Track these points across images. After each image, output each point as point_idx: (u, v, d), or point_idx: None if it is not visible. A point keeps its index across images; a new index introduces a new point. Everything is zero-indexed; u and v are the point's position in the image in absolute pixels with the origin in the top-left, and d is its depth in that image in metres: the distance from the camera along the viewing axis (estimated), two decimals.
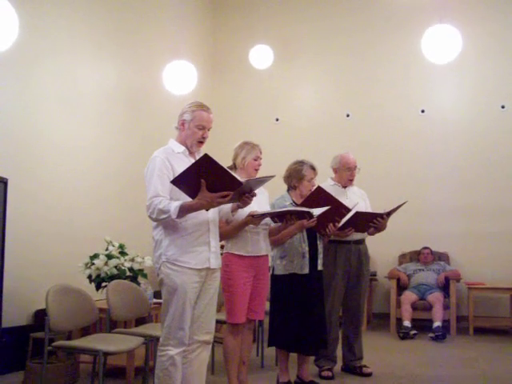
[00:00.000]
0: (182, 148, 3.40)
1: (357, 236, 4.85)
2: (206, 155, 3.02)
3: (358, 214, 4.52)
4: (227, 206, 3.53)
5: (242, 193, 3.31)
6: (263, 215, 3.85)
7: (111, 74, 6.57)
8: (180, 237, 3.28)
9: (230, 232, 3.95)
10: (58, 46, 5.73)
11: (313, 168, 4.50)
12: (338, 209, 4.32)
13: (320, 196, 4.22)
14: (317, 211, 4.08)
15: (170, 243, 3.29)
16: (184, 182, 3.13)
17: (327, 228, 4.38)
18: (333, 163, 5.04)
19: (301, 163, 4.50)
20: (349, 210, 4.38)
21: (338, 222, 4.44)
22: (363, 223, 4.67)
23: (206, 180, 3.09)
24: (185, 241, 3.28)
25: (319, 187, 4.29)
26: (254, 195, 3.36)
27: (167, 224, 3.29)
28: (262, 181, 3.42)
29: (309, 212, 4.03)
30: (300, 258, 4.35)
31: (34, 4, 5.42)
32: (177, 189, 3.21)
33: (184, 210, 3.16)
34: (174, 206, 3.14)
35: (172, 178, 3.22)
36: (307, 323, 4.35)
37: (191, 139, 3.41)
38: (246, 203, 3.38)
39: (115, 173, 6.46)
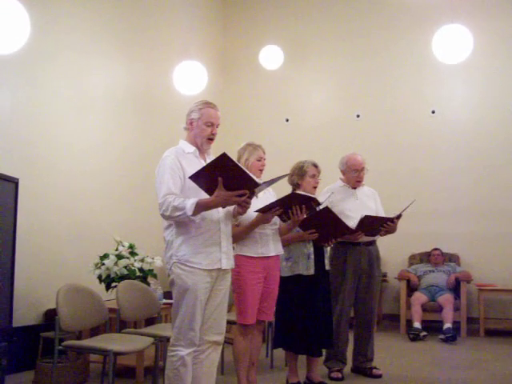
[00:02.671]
0: (193, 148, 3.42)
1: (367, 238, 4.83)
2: (224, 154, 3.03)
3: (367, 217, 4.51)
4: (230, 210, 3.50)
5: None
6: (269, 207, 3.80)
7: (122, 74, 6.59)
8: (191, 237, 3.28)
9: (241, 234, 3.94)
10: (68, 47, 5.76)
11: (315, 165, 4.50)
12: (342, 228, 4.35)
13: (327, 215, 4.23)
14: (322, 199, 4.12)
15: (181, 244, 3.29)
16: (201, 178, 3.15)
17: (327, 242, 4.43)
18: (340, 165, 5.01)
19: (303, 161, 4.53)
20: (352, 232, 4.43)
21: (340, 238, 4.52)
22: (373, 227, 4.67)
23: (223, 178, 3.09)
24: (196, 241, 3.28)
25: (327, 208, 4.26)
26: (251, 197, 3.30)
27: (179, 224, 3.29)
28: (275, 180, 3.40)
29: (315, 198, 4.03)
30: (305, 259, 4.34)
31: (45, 5, 5.45)
32: (187, 189, 3.23)
33: (200, 207, 3.17)
34: (190, 203, 3.15)
35: (182, 178, 3.24)
36: (313, 324, 4.34)
37: (201, 137, 3.42)
38: (245, 208, 3.34)
39: (125, 173, 6.48)
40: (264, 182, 3.32)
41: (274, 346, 4.55)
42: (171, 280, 3.34)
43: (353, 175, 4.92)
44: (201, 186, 3.19)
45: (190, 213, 3.14)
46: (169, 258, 3.34)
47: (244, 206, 3.31)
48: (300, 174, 4.48)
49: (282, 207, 3.86)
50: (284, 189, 4.51)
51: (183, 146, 3.44)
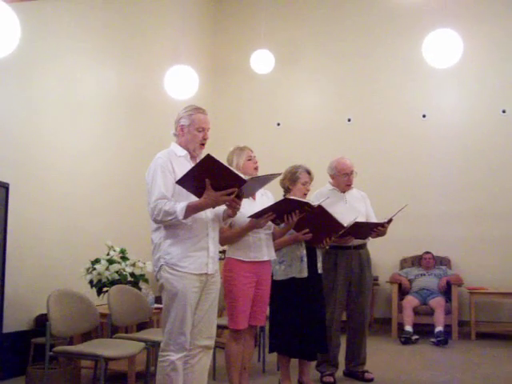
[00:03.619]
0: (184, 152, 3.41)
1: (358, 241, 4.84)
2: (208, 155, 3.03)
3: (357, 224, 4.52)
4: (220, 212, 3.48)
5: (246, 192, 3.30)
6: (262, 212, 3.80)
7: (113, 78, 6.58)
8: (179, 241, 3.28)
9: (233, 237, 3.94)
10: (59, 51, 5.74)
11: (308, 172, 4.50)
12: (335, 226, 4.33)
13: (321, 213, 4.22)
14: (316, 202, 4.07)
15: (168, 247, 3.29)
16: (189, 182, 3.15)
17: (321, 243, 4.40)
18: (329, 170, 5.01)
19: (297, 166, 4.52)
20: (344, 228, 4.39)
21: (334, 237, 4.47)
22: (364, 231, 4.67)
23: (210, 179, 3.09)
24: (184, 245, 3.28)
25: (320, 206, 4.26)
26: (240, 197, 3.27)
27: (167, 227, 3.29)
28: (266, 179, 3.40)
29: (307, 203, 4.02)
30: (298, 261, 4.35)
31: (36, 9, 5.42)
32: (178, 193, 3.23)
33: (190, 210, 3.17)
34: (181, 207, 3.15)
35: (173, 181, 3.24)
36: (307, 327, 4.35)
37: (193, 143, 3.42)
38: (234, 209, 3.33)
39: (116, 178, 6.46)
40: (251, 178, 3.31)
41: (269, 350, 4.53)
42: (160, 285, 3.33)
43: (343, 179, 4.93)
44: (189, 190, 3.19)
45: (181, 217, 3.15)
46: (156, 261, 3.33)
47: (234, 207, 3.30)
48: (292, 179, 4.48)
49: (275, 213, 3.86)
50: (278, 191, 4.53)
51: (175, 149, 3.44)
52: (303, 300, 4.36)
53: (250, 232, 3.94)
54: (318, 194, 4.87)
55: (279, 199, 4.00)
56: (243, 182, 3.17)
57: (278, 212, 3.89)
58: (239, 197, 3.24)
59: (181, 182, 3.16)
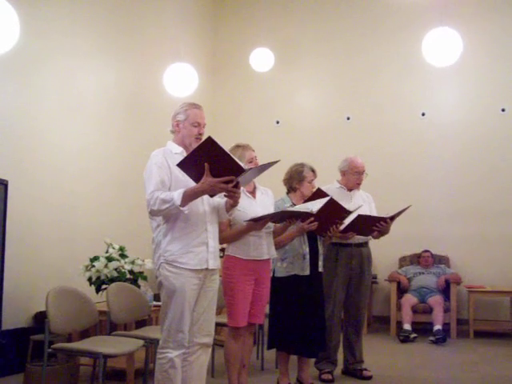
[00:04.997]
0: (180, 149, 3.42)
1: (359, 239, 4.84)
2: (209, 138, 3.02)
3: (360, 217, 4.50)
4: (223, 204, 3.48)
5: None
6: (259, 218, 3.81)
7: (112, 76, 6.58)
8: (178, 237, 3.28)
9: (232, 237, 3.94)
10: (58, 49, 5.74)
11: (312, 170, 4.52)
12: (338, 211, 4.29)
13: (329, 204, 4.19)
14: (315, 207, 4.02)
15: (168, 244, 3.29)
16: (189, 165, 3.14)
17: (328, 231, 4.36)
18: (341, 166, 5.02)
19: (301, 165, 4.52)
20: (348, 212, 4.33)
21: (340, 224, 4.41)
22: (366, 227, 4.64)
23: (210, 164, 3.09)
24: (183, 241, 3.28)
25: (319, 189, 4.29)
26: (239, 187, 3.25)
27: (166, 224, 3.30)
28: (264, 167, 3.39)
29: (307, 213, 3.99)
30: (301, 259, 4.34)
31: (35, 7, 5.43)
32: (174, 187, 3.23)
33: (187, 196, 3.16)
34: (178, 193, 3.15)
35: (170, 177, 3.26)
36: (308, 325, 4.35)
37: (189, 138, 3.43)
38: (235, 198, 3.30)
39: (116, 175, 6.46)
40: (250, 168, 3.31)
41: (268, 346, 4.53)
42: (159, 282, 3.34)
43: (354, 177, 4.94)
44: (188, 174, 3.19)
45: (178, 202, 3.13)
46: (157, 259, 3.34)
47: (233, 196, 3.29)
48: (299, 179, 4.47)
49: (274, 219, 3.86)
50: (280, 190, 4.53)
51: (171, 147, 3.45)
52: (304, 297, 4.35)
53: (246, 234, 3.93)
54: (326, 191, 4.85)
55: (279, 210, 3.98)
56: (242, 170, 3.15)
57: (278, 219, 3.90)
58: (237, 186, 3.22)
59: (181, 164, 3.14)
